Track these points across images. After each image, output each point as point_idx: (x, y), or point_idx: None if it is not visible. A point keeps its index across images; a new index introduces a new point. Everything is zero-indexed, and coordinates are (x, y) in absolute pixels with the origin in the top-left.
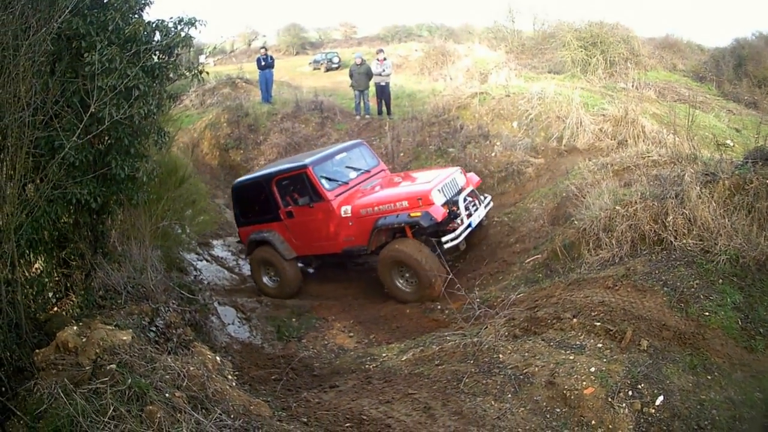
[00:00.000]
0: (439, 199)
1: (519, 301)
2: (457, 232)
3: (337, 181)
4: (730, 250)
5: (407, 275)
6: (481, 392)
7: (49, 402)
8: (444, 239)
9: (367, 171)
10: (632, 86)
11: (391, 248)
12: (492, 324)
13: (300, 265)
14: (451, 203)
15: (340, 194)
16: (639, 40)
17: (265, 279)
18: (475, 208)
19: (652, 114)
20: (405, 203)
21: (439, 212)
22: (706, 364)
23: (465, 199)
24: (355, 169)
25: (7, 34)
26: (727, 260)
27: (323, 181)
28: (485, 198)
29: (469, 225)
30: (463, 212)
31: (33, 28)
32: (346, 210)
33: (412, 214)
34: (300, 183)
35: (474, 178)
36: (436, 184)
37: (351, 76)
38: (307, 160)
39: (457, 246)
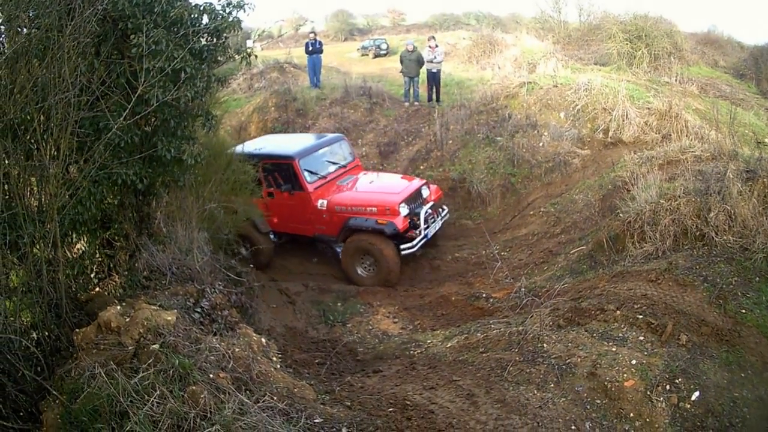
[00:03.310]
0: (404, 211)
1: (563, 291)
2: (415, 242)
3: (317, 174)
4: (767, 248)
5: (367, 263)
6: (524, 381)
7: (88, 381)
8: (402, 247)
9: (344, 166)
10: (676, 81)
11: (360, 238)
12: (537, 313)
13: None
14: (413, 214)
15: (318, 187)
16: (682, 34)
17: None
18: (433, 220)
19: (695, 109)
20: (375, 209)
21: (401, 223)
22: (741, 361)
23: (426, 212)
24: (333, 163)
25: (51, 14)
26: (764, 258)
27: (306, 174)
28: (443, 210)
29: (426, 236)
30: (422, 224)
31: (78, 9)
32: (322, 204)
33: (379, 221)
34: (284, 170)
35: (436, 191)
36: (404, 196)
37: (402, 62)
38: (294, 152)
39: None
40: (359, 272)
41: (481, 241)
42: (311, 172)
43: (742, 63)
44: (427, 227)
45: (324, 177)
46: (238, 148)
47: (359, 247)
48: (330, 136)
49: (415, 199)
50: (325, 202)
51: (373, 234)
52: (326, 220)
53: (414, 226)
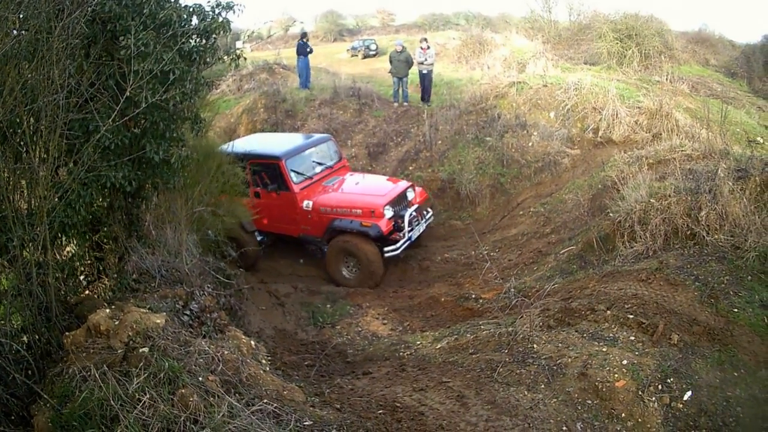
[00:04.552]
0: (388, 213)
1: (554, 291)
2: (398, 244)
3: (304, 174)
4: (759, 247)
5: (351, 264)
6: (514, 382)
7: (79, 385)
8: (386, 249)
9: (330, 167)
10: (666, 80)
11: (344, 239)
12: (527, 314)
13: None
14: (397, 216)
15: (305, 187)
16: (672, 33)
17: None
18: (417, 223)
19: (686, 108)
20: (359, 212)
21: (385, 226)
22: (734, 360)
23: (411, 215)
24: (320, 163)
25: (40, 16)
26: (756, 257)
27: (292, 174)
28: (428, 213)
29: (409, 239)
30: (406, 227)
31: (67, 11)
32: (307, 204)
33: (363, 224)
34: (271, 170)
35: (422, 194)
36: (389, 199)
37: (391, 62)
38: (281, 152)
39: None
40: (344, 273)
41: (470, 241)
42: (298, 173)
43: (734, 61)
44: (411, 230)
45: (310, 177)
46: (226, 147)
47: (343, 248)
48: (317, 136)
49: (400, 201)
50: (311, 202)
51: (357, 236)
52: (311, 221)
53: (398, 228)
